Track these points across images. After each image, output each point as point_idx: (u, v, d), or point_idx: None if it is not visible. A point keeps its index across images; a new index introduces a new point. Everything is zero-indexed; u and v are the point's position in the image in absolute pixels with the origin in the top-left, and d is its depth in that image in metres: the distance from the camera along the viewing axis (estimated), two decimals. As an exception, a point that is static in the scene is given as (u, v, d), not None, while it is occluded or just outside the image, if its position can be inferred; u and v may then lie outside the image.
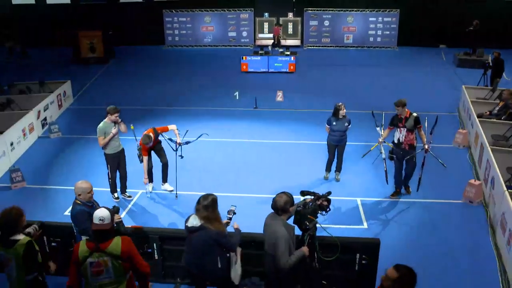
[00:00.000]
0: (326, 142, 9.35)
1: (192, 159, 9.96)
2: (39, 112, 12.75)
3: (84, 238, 4.73)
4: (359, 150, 9.93)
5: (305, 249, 4.77)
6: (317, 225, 4.96)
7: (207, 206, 4.90)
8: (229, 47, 26.35)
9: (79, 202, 5.40)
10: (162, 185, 9.17)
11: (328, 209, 5.03)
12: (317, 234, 5.07)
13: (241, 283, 6.09)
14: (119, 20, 25.78)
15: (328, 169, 9.56)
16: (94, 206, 5.38)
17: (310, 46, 26.31)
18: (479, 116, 11.39)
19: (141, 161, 8.77)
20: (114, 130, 8.40)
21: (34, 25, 26.24)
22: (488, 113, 11.60)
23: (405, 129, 8.21)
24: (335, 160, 9.40)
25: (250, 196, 8.86)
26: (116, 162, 8.67)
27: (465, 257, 7.02)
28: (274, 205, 4.78)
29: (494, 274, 6.60)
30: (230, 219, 5.43)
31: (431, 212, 8.23)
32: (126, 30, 26.12)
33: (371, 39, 25.87)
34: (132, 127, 8.89)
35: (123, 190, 8.99)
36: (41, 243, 6.30)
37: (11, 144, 10.80)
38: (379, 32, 25.73)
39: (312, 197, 5.06)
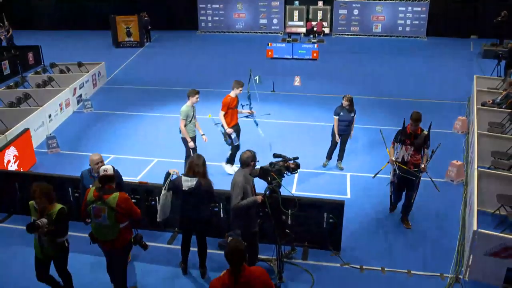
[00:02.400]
0: (331, 131, 9.62)
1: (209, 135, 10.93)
2: (75, 89, 14.18)
3: (91, 186, 5.82)
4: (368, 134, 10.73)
5: (258, 198, 5.72)
6: (281, 184, 5.90)
7: (203, 163, 5.98)
8: (260, 33, 27.24)
9: (89, 172, 6.46)
10: (226, 165, 9.62)
11: (294, 171, 5.97)
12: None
13: (226, 233, 7.16)
14: (155, 6, 27.11)
15: (328, 157, 9.85)
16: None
17: (339, 34, 26.80)
18: (482, 104, 11.90)
19: (230, 143, 9.22)
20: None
21: (73, 11, 28.17)
22: (490, 101, 12.04)
23: (413, 147, 7.28)
24: (337, 149, 9.68)
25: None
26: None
27: (433, 222, 7.82)
28: (240, 159, 5.78)
29: (454, 238, 7.36)
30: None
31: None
32: (161, 15, 27.47)
33: (400, 28, 26.09)
34: (209, 115, 9.62)
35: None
36: (66, 193, 7.61)
37: (49, 116, 12.23)
38: (408, 22, 25.93)
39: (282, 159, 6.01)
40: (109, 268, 5.96)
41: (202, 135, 9.04)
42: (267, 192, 5.79)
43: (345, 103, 9.27)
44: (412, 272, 6.55)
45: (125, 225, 5.57)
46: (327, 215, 6.76)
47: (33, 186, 5.36)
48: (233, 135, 9.11)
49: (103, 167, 5.58)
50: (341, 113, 9.32)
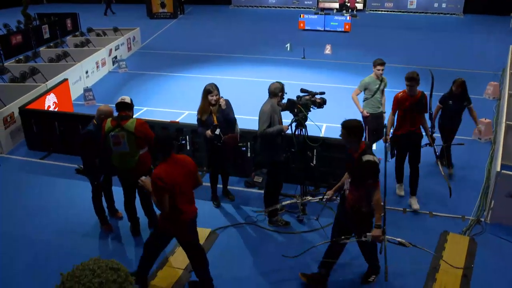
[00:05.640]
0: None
1: (248, 97, 11.15)
2: (110, 50, 14.64)
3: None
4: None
5: (284, 127, 5.90)
6: (308, 118, 6.09)
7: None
8: (292, 8, 27.20)
9: (95, 122, 5.83)
10: None
11: (320, 106, 6.13)
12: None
13: (253, 173, 7.42)
14: (189, -21, 27.42)
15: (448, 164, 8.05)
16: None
17: (373, 10, 26.48)
18: (516, 71, 11.70)
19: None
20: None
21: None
22: (525, 67, 11.81)
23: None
24: None
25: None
26: (375, 124, 7.73)
27: (458, 171, 7.85)
28: (268, 89, 5.97)
29: (477, 186, 7.38)
30: None
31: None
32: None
33: (436, 5, 25.58)
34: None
35: None
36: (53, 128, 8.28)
37: (86, 72, 12.72)
38: (445, -2, 25.40)
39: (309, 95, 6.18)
40: (127, 205, 6.00)
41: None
42: (292, 123, 5.99)
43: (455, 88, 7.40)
44: (433, 213, 6.65)
45: (144, 151, 5.66)
46: (352, 155, 6.90)
47: None
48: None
49: (121, 97, 5.72)
50: (450, 102, 7.43)
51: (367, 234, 4.63)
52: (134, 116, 5.77)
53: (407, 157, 6.80)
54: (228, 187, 7.11)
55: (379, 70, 7.47)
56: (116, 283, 3.91)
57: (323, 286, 5.13)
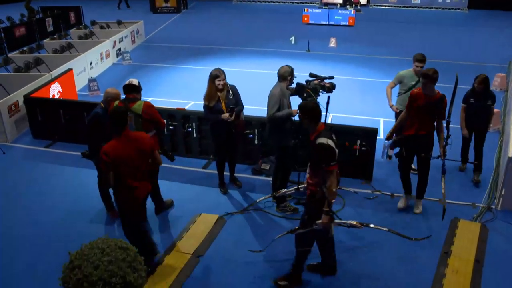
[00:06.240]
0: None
1: (252, 88, 11.10)
2: (114, 42, 14.57)
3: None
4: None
5: (293, 111, 5.83)
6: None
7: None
8: (296, 4, 27.10)
9: (102, 105, 5.72)
10: None
11: (330, 91, 6.04)
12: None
13: (260, 160, 7.35)
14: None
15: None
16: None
17: (377, 5, 26.37)
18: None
19: None
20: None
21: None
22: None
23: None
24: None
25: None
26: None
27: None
28: (277, 73, 5.89)
29: (487, 175, 7.27)
30: None
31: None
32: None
33: (440, 0, 25.44)
34: None
35: None
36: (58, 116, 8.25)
37: (90, 63, 12.66)
38: (449, -7, 25.27)
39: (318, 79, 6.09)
40: None
41: None
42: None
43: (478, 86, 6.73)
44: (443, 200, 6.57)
45: (152, 134, 5.61)
46: (360, 142, 6.84)
47: None
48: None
49: (129, 79, 5.69)
50: (472, 100, 6.82)
51: (317, 222, 4.50)
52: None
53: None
54: (235, 174, 7.04)
55: (417, 66, 6.66)
56: (125, 262, 3.87)
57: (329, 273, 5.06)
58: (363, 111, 9.98)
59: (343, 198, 6.57)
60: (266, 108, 5.94)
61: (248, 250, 5.42)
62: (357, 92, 11.32)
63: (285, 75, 5.83)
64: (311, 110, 4.45)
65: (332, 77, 6.14)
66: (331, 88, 6.09)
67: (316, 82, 6.01)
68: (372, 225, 5.07)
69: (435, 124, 5.77)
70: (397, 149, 6.10)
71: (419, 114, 5.72)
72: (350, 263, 5.24)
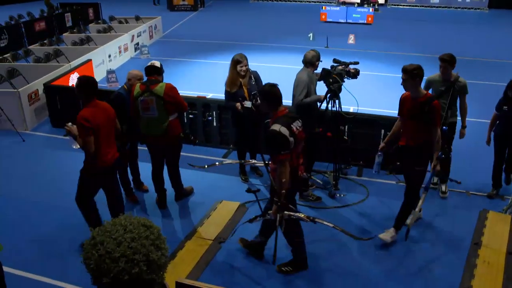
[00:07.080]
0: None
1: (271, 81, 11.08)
2: (133, 36, 14.59)
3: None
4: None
5: (321, 96, 5.73)
6: (342, 87, 5.87)
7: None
8: (313, 3, 26.95)
9: (125, 87, 5.80)
10: None
11: (355, 76, 5.89)
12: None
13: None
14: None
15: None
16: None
17: (394, 4, 26.11)
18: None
19: None
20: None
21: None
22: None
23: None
24: None
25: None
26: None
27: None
28: (303, 58, 5.77)
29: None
30: None
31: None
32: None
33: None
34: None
35: None
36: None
37: (109, 56, 12.67)
38: (469, -8, 24.91)
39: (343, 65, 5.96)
40: (155, 175, 5.84)
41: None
42: (329, 95, 5.80)
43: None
44: (470, 192, 6.37)
45: (174, 117, 5.51)
46: (385, 132, 6.67)
47: None
48: None
49: (151, 61, 5.60)
50: (505, 108, 5.94)
51: (269, 212, 4.36)
52: None
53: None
54: (256, 164, 6.89)
55: (440, 67, 5.70)
56: (148, 240, 3.75)
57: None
58: (388, 105, 9.78)
59: (366, 187, 6.41)
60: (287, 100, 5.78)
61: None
62: (380, 87, 11.15)
63: (313, 60, 5.72)
64: (268, 94, 4.22)
65: (357, 63, 6.01)
66: (355, 73, 5.95)
67: (340, 67, 5.88)
68: (317, 220, 4.45)
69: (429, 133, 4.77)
70: (380, 158, 5.40)
71: (407, 120, 4.92)
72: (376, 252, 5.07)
